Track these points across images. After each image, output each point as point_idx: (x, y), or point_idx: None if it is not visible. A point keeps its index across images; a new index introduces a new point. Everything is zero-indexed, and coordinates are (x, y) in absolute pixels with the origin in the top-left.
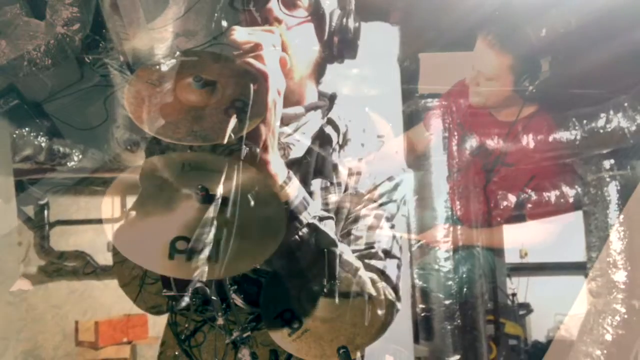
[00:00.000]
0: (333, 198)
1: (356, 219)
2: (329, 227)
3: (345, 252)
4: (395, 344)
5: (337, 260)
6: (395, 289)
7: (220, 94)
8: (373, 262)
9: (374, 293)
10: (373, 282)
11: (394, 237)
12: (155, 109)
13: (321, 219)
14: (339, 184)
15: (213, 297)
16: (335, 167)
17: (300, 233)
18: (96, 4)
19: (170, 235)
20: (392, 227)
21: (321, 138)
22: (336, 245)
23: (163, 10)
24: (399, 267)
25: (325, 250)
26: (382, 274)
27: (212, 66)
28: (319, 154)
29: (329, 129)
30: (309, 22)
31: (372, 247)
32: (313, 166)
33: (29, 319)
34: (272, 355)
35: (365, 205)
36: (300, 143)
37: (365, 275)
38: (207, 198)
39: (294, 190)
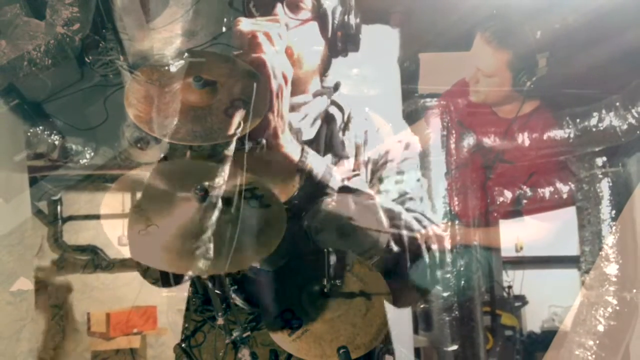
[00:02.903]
0: (346, 171)
1: (380, 180)
2: (360, 184)
3: (384, 201)
4: (394, 344)
5: (380, 210)
6: (438, 226)
7: (220, 94)
8: (412, 205)
9: (422, 231)
10: (419, 222)
11: (422, 186)
12: (146, 109)
13: (349, 179)
14: (347, 158)
15: (217, 291)
16: (342, 144)
17: (335, 198)
18: (96, 4)
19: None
20: (418, 180)
21: (327, 118)
22: (373, 198)
23: (170, 13)
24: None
25: (364, 204)
26: (423, 214)
27: (212, 66)
28: (327, 132)
29: (333, 109)
30: (312, 20)
31: (407, 194)
32: (323, 144)
33: (29, 319)
34: (272, 355)
35: (382, 167)
36: (310, 126)
37: (409, 216)
38: (207, 197)
39: (314, 162)
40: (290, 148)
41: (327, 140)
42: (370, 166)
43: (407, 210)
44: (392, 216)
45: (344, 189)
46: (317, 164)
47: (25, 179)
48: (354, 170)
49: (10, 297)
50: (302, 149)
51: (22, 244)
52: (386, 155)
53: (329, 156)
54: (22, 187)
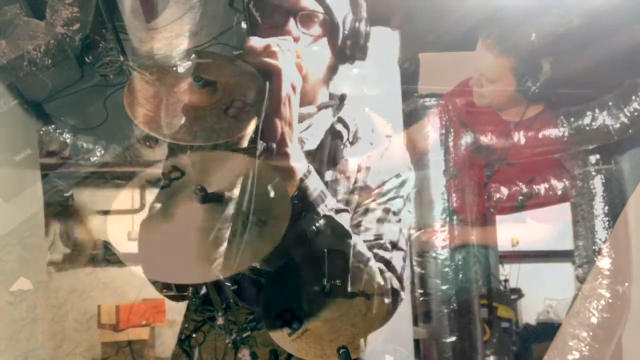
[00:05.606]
0: (342, 190)
1: (365, 212)
2: (344, 220)
3: (358, 243)
4: (394, 344)
5: (351, 251)
6: (400, 279)
7: (220, 93)
8: (381, 252)
9: (381, 282)
10: (381, 272)
11: (400, 230)
12: (155, 109)
13: (337, 211)
14: (348, 178)
15: (226, 283)
16: (345, 162)
17: (317, 224)
18: (96, 4)
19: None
20: (399, 221)
21: (332, 133)
22: (350, 237)
23: (176, 14)
24: (404, 259)
25: (340, 240)
26: (389, 264)
27: (213, 66)
28: (332, 147)
29: (339, 126)
30: (323, 37)
31: (381, 239)
32: (326, 159)
33: (29, 319)
34: (272, 355)
35: (374, 199)
36: (314, 136)
37: (375, 265)
38: (207, 198)
39: (312, 183)
40: (297, 161)
41: (331, 154)
42: (363, 194)
43: (375, 257)
44: (360, 260)
45: (327, 218)
46: (314, 185)
47: (38, 176)
48: (347, 203)
49: (10, 297)
50: (308, 167)
51: (21, 244)
52: (382, 186)
53: (330, 172)
54: (33, 184)
